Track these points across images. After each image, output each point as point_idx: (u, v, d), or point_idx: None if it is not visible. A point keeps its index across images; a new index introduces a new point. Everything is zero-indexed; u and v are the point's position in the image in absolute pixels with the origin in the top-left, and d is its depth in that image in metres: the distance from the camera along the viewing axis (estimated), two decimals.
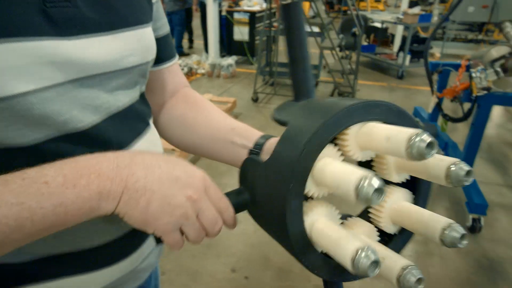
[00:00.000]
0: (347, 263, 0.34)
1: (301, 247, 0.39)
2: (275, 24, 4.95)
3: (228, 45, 5.95)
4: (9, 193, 0.34)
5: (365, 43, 6.25)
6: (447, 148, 2.91)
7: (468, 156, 2.50)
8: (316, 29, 4.74)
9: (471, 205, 2.28)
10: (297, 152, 0.37)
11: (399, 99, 4.67)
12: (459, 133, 3.54)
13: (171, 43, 0.65)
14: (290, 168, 0.37)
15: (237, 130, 0.57)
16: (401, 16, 5.36)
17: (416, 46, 5.50)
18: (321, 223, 0.40)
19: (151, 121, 0.58)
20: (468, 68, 2.48)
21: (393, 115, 0.40)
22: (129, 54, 0.48)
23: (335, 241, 0.36)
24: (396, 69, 5.58)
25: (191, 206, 0.40)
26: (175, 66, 0.66)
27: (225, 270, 1.95)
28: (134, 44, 0.49)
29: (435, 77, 3.04)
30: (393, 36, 6.48)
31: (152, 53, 0.54)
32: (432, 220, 0.38)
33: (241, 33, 5.71)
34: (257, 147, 0.51)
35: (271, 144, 0.51)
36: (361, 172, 0.33)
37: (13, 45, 0.36)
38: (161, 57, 0.62)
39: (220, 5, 5.65)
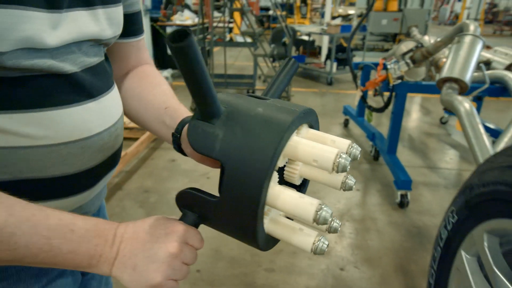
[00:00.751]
0: (308, 250, 0.44)
1: (265, 244, 0.46)
2: (208, 36, 5.07)
3: (161, 59, 5.93)
4: (46, 227, 0.41)
5: (295, 55, 6.63)
6: (374, 138, 3.19)
7: (392, 141, 2.78)
8: (249, 40, 4.95)
9: (398, 182, 2.53)
10: (256, 198, 0.40)
11: (330, 102, 5.02)
12: (385, 127, 3.90)
13: (141, 20, 0.70)
14: (253, 213, 0.40)
15: (169, 111, 0.61)
16: (325, 28, 5.81)
17: (341, 55, 5.98)
18: (277, 224, 0.46)
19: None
20: (385, 65, 2.79)
21: (310, 118, 0.47)
22: (104, 29, 0.54)
23: (294, 239, 0.44)
24: (325, 77, 6.00)
25: (174, 259, 0.44)
26: (142, 42, 0.71)
27: None
28: (108, 20, 0.55)
29: (359, 74, 3.35)
30: (320, 48, 6.97)
31: (120, 29, 0.59)
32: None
33: None
34: (177, 131, 0.55)
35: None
36: (316, 201, 0.40)
37: (18, 12, 0.41)
38: (132, 31, 0.66)
39: (152, 19, 5.65)
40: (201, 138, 0.43)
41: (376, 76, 2.89)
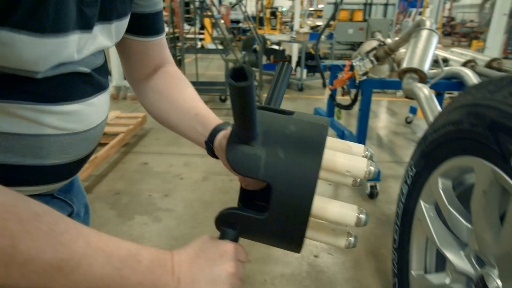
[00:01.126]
0: (342, 246, 0.48)
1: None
2: (179, 44, 5.09)
3: None
4: (117, 257, 0.41)
5: (266, 63, 6.75)
6: (344, 136, 3.29)
7: (360, 136, 2.87)
8: (220, 47, 5.01)
9: None
10: (306, 211, 0.43)
11: (302, 106, 5.14)
12: (354, 128, 4.03)
13: (163, 19, 0.72)
14: (304, 225, 0.44)
15: (199, 117, 0.64)
16: (294, 36, 5.98)
17: (310, 62, 6.16)
18: (311, 229, 0.50)
19: None
20: (351, 66, 2.90)
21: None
22: (112, 40, 0.57)
23: (330, 240, 0.49)
24: (296, 83, 6.14)
25: (233, 277, 0.46)
26: (163, 40, 0.73)
27: None
28: (116, 32, 0.57)
29: (327, 76, 3.46)
30: (290, 56, 7.14)
31: (120, 38, 0.62)
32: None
33: None
34: (211, 139, 0.59)
35: (221, 136, 0.58)
36: (355, 207, 0.45)
37: (63, 39, 0.43)
38: (157, 30, 0.68)
39: None
40: (244, 161, 0.45)
41: (343, 74, 3.00)
